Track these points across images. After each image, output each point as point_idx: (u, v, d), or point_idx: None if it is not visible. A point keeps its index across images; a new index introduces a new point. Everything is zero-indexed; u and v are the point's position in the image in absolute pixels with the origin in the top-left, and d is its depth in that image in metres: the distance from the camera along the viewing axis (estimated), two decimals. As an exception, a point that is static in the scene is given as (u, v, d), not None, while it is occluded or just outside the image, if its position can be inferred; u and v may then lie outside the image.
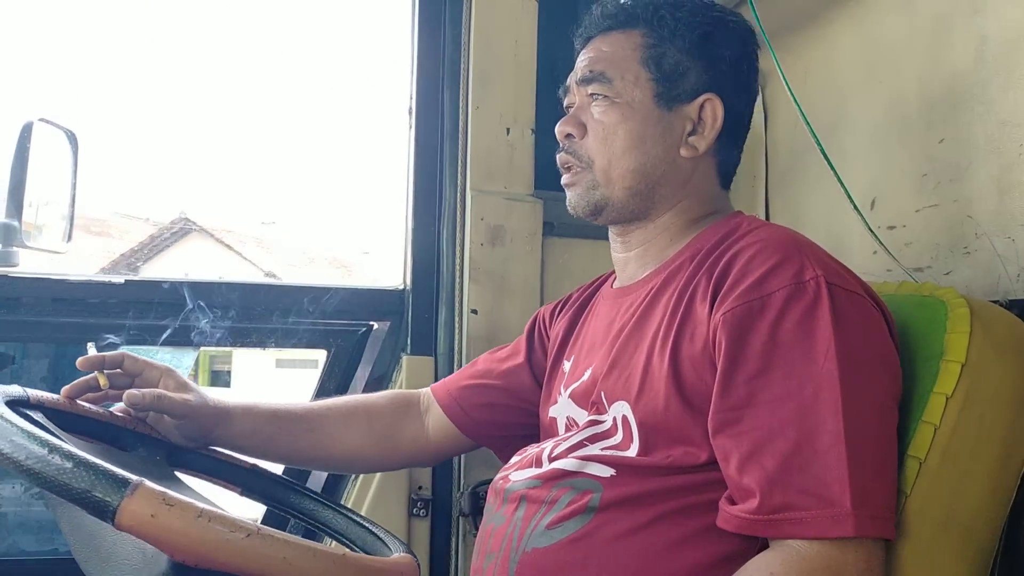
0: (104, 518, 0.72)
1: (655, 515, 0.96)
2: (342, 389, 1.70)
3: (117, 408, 1.18)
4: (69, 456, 0.74)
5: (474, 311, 1.66)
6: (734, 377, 0.92)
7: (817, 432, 0.87)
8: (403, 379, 1.66)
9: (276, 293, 1.65)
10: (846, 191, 1.36)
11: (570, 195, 1.15)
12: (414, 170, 1.73)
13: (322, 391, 1.70)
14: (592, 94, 1.12)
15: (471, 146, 1.69)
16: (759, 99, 1.73)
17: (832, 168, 1.36)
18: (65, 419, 1.09)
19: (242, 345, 1.63)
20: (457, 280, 1.69)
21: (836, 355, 0.88)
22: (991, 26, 1.22)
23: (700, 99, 1.10)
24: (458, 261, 1.69)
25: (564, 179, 1.16)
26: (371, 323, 1.72)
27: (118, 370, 1.19)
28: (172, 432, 1.18)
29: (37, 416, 1.02)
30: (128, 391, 1.13)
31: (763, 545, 0.90)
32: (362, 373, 1.71)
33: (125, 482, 0.73)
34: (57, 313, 1.54)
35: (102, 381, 1.16)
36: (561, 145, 1.16)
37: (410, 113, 1.75)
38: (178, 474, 1.17)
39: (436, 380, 1.66)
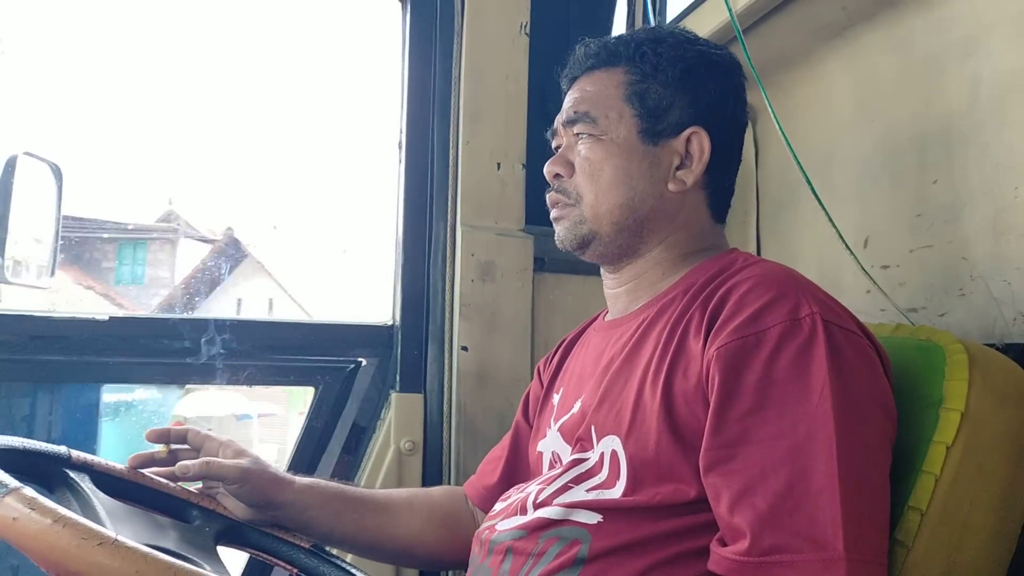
0: None
1: (646, 566, 0.93)
2: (330, 426, 1.68)
3: (194, 486, 1.19)
4: None
5: (464, 347, 1.64)
6: (727, 414, 0.90)
7: (810, 473, 0.85)
8: (392, 416, 1.64)
9: (262, 329, 1.63)
10: (836, 230, 1.36)
11: (558, 229, 1.15)
12: (404, 204, 1.72)
13: (310, 428, 1.68)
14: (578, 134, 1.13)
15: (461, 181, 1.69)
16: (750, 135, 1.72)
17: (823, 207, 1.35)
18: (116, 485, 1.08)
19: (228, 383, 1.60)
20: (447, 316, 1.67)
21: (831, 394, 0.87)
22: (985, 68, 1.22)
23: (686, 133, 1.10)
24: (448, 297, 1.68)
25: (552, 213, 1.17)
26: (359, 359, 1.69)
27: (184, 445, 1.21)
28: (238, 506, 1.18)
29: (77, 477, 1.01)
30: (179, 463, 1.14)
31: None
32: (350, 410, 1.69)
33: (4, 486, 0.73)
34: (38, 351, 1.51)
35: (164, 452, 1.19)
36: (550, 185, 1.17)
37: (400, 147, 1.74)
38: (227, 550, 1.14)
39: (426, 418, 1.66)
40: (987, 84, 1.22)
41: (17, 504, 0.72)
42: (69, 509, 0.74)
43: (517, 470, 1.28)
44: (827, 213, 1.34)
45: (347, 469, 1.65)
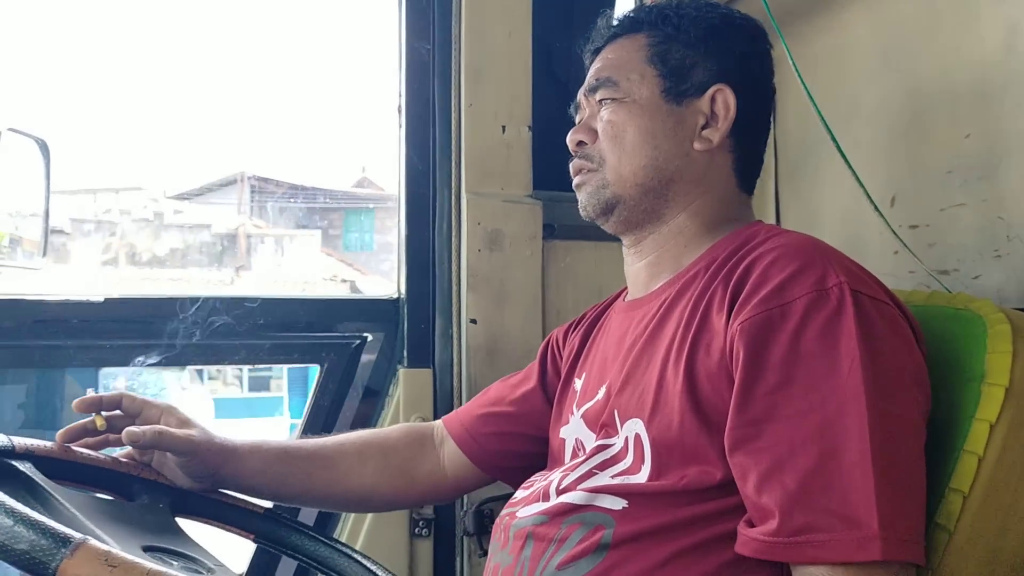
0: None
1: (672, 552, 0.89)
2: (337, 404, 1.63)
3: (121, 453, 1.13)
4: (10, 512, 0.67)
5: (473, 320, 1.58)
6: (752, 390, 0.86)
7: (841, 449, 0.81)
8: (400, 392, 1.59)
9: (264, 306, 1.57)
10: (863, 188, 1.29)
11: (580, 196, 1.12)
12: (405, 172, 1.65)
13: (316, 407, 1.63)
14: (601, 100, 1.10)
15: (465, 146, 1.61)
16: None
17: (848, 164, 1.29)
18: (59, 468, 1.02)
19: (230, 363, 1.55)
20: (454, 288, 1.62)
21: (862, 367, 0.83)
22: (1022, 13, 1.14)
23: (711, 91, 1.06)
24: (454, 268, 1.62)
25: (575, 181, 1.13)
26: (365, 335, 1.64)
27: (117, 411, 1.14)
28: (178, 475, 1.13)
29: (24, 467, 0.94)
30: (127, 429, 1.07)
31: None
32: (357, 387, 1.64)
33: (67, 541, 0.66)
34: (35, 336, 1.45)
35: (99, 423, 1.10)
36: (573, 153, 1.13)
37: (399, 112, 1.67)
38: (183, 521, 1.09)
39: (435, 393, 1.61)
40: (1024, 30, 1.15)
41: (91, 560, 0.66)
42: (32, 509, 0.69)
43: (523, 432, 1.24)
44: (852, 170, 1.28)
45: (356, 447, 1.60)
